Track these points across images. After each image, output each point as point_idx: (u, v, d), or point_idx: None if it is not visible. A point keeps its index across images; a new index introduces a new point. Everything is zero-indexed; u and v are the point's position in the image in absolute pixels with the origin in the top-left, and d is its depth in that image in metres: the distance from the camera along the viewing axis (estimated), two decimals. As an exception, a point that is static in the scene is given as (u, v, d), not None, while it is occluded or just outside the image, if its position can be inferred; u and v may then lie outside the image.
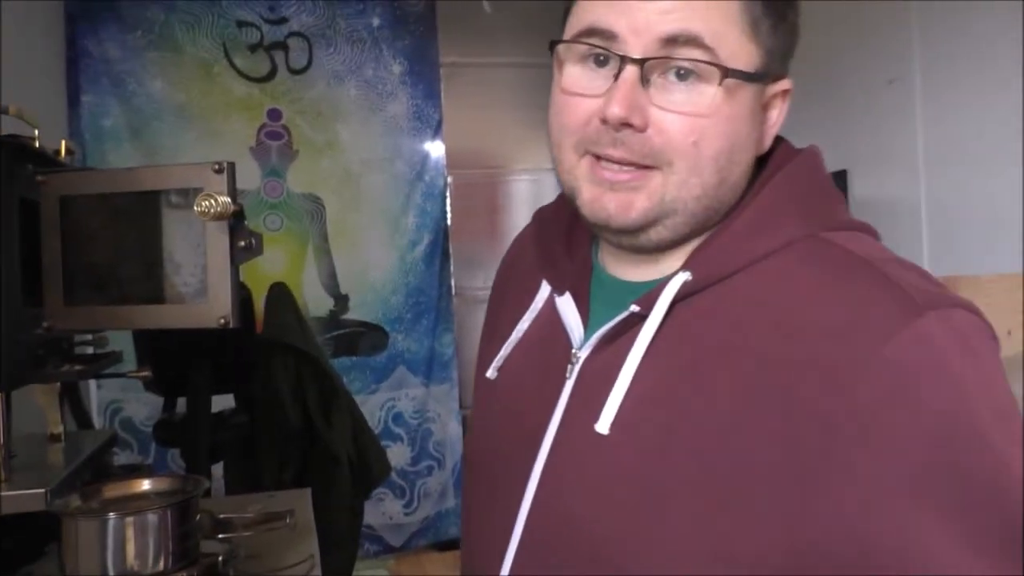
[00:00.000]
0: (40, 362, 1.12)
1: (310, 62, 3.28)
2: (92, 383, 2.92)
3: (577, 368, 0.72)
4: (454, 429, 3.47)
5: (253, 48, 3.22)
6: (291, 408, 2.23)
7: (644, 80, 0.64)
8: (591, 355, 0.71)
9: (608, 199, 0.67)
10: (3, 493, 1.01)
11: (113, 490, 1.10)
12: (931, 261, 2.72)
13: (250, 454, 2.18)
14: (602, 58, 0.66)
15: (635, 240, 0.70)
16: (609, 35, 0.65)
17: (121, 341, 1.84)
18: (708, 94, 0.65)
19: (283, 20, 3.26)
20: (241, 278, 1.06)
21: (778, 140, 0.76)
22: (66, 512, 1.00)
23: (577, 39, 0.67)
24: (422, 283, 3.40)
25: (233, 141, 3.17)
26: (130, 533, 0.98)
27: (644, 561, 0.64)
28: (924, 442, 0.56)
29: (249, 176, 3.18)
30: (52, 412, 1.30)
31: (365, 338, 3.34)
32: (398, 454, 3.34)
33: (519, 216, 3.57)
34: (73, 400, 1.70)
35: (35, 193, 1.08)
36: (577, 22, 0.68)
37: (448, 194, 3.47)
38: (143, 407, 3.00)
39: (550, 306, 0.78)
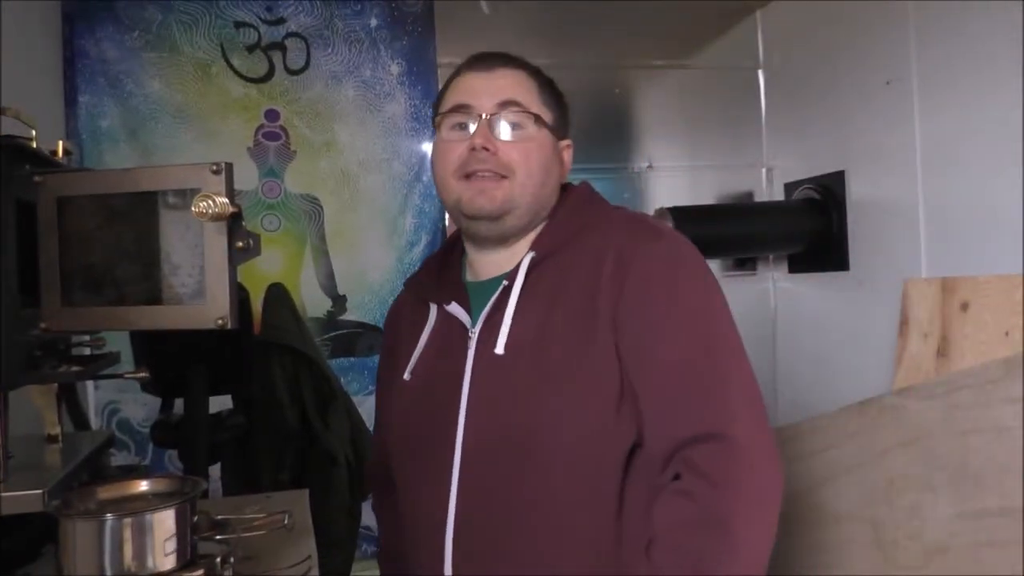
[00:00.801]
0: (37, 363, 1.11)
1: (308, 63, 3.28)
2: (89, 384, 2.91)
3: (475, 339, 1.14)
4: (452, 430, 3.46)
5: (251, 49, 3.22)
6: (289, 409, 2.23)
7: (491, 127, 1.15)
8: (482, 328, 1.14)
9: (481, 197, 1.14)
10: (0, 494, 1.01)
11: (110, 491, 1.10)
12: (929, 262, 2.72)
13: (248, 455, 2.18)
14: (462, 125, 1.18)
15: (498, 226, 1.16)
16: (467, 108, 1.17)
17: (119, 342, 1.83)
18: (529, 131, 1.16)
19: (281, 21, 3.25)
20: (239, 279, 1.06)
21: (568, 184, 1.27)
22: (63, 513, 0.99)
23: (452, 110, 1.19)
24: (420, 284, 3.40)
25: (231, 142, 3.16)
26: (128, 534, 0.98)
27: (535, 416, 1.06)
28: (654, 299, 1.07)
29: (247, 177, 3.17)
30: (49, 413, 1.30)
31: (363, 339, 3.33)
32: (396, 455, 3.33)
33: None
34: (70, 401, 1.70)
35: (32, 194, 1.08)
36: (449, 101, 1.20)
37: (446, 195, 3.47)
38: (140, 408, 2.99)
39: (440, 318, 1.20)
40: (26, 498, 1.01)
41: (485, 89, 1.16)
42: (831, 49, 3.22)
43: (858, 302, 3.06)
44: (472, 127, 1.16)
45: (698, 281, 1.10)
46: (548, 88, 1.22)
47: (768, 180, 3.74)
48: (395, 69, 3.38)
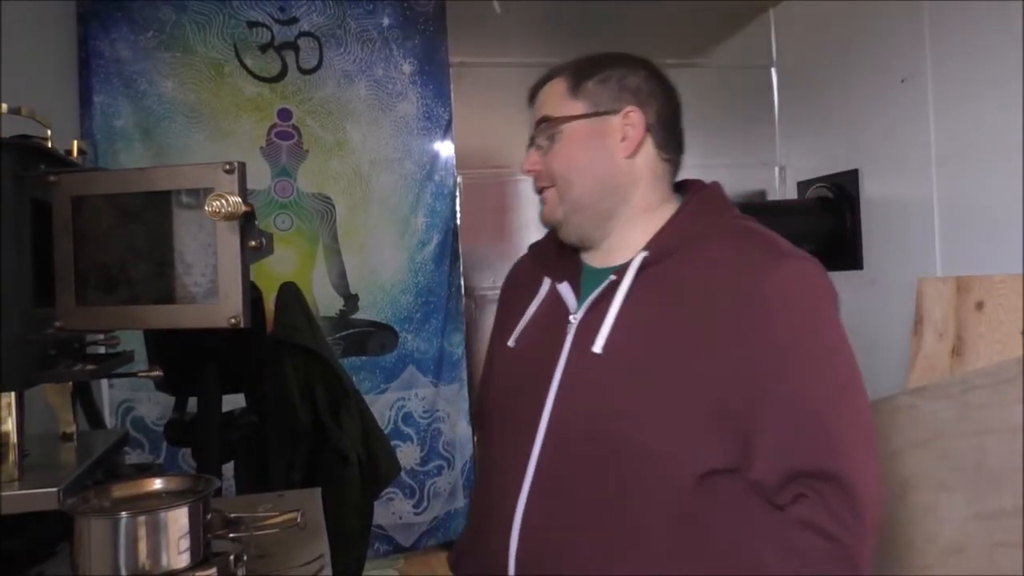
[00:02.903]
0: (52, 362, 1.12)
1: (320, 62, 3.29)
2: (104, 383, 2.93)
3: (575, 326, 1.15)
4: (464, 429, 3.46)
5: (264, 48, 3.23)
6: (301, 408, 2.23)
7: (537, 147, 1.21)
8: (584, 316, 1.15)
9: (544, 209, 1.21)
10: (16, 492, 1.02)
11: (125, 489, 1.11)
12: (943, 261, 2.70)
13: (260, 454, 2.19)
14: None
15: (574, 231, 1.19)
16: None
17: (132, 341, 1.84)
18: (559, 135, 1.17)
19: (294, 20, 3.26)
20: (251, 278, 1.06)
21: (697, 182, 1.25)
22: (78, 511, 1.00)
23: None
24: (432, 283, 3.40)
25: (243, 141, 3.18)
26: (142, 532, 0.98)
27: (632, 423, 1.05)
28: (779, 329, 1.03)
29: (259, 176, 3.19)
30: (64, 411, 1.31)
31: (375, 338, 3.34)
32: (408, 454, 3.34)
33: (528, 216, 3.56)
34: (85, 400, 1.71)
35: (47, 193, 1.09)
36: None
37: (458, 194, 3.47)
38: (154, 407, 3.01)
39: (551, 294, 1.22)
40: (41, 496, 1.01)
41: (533, 117, 1.22)
42: (845, 47, 3.20)
43: (872, 301, 3.04)
44: None
45: (824, 315, 1.07)
46: (583, 73, 1.18)
47: (781, 179, 3.72)
48: (407, 68, 3.38)
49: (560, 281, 1.20)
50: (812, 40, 3.49)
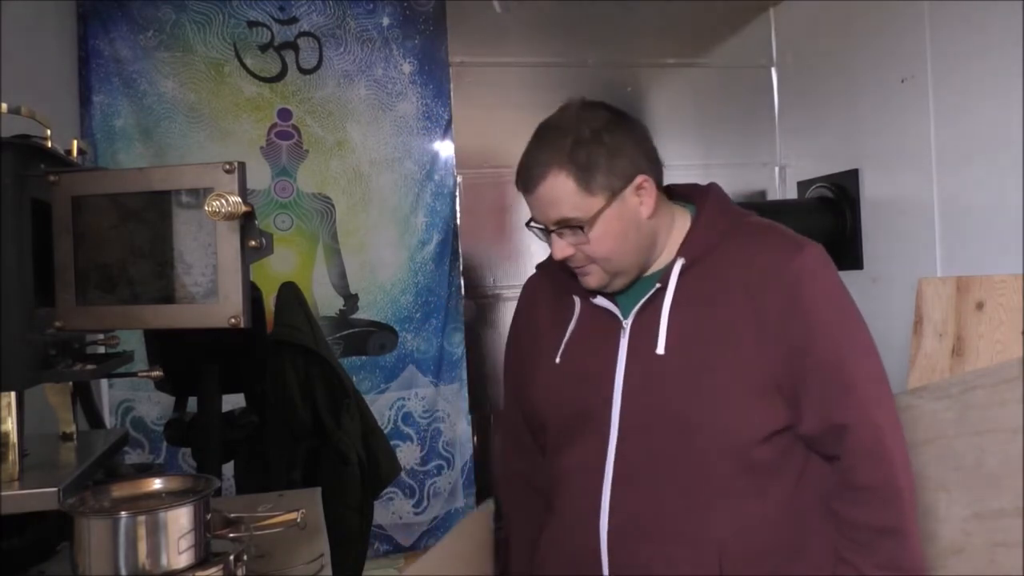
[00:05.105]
0: (52, 362, 1.12)
1: (320, 62, 3.28)
2: (104, 383, 2.93)
3: (628, 331, 1.28)
4: (463, 429, 3.46)
5: (264, 48, 3.23)
6: (301, 408, 2.23)
7: (561, 236, 1.27)
8: (633, 322, 1.28)
9: (586, 280, 1.31)
10: (16, 492, 1.02)
11: (125, 489, 1.11)
12: (943, 261, 2.70)
13: (260, 454, 2.19)
14: (543, 228, 1.30)
15: (616, 287, 1.31)
16: (537, 221, 1.30)
17: (132, 341, 1.84)
18: (588, 230, 1.24)
19: (293, 20, 3.26)
20: (251, 278, 1.06)
21: (696, 186, 1.39)
22: (78, 511, 1.00)
23: (529, 224, 1.33)
24: (432, 283, 3.40)
25: (243, 141, 3.17)
26: (142, 532, 0.98)
27: (698, 409, 1.22)
28: (809, 302, 1.22)
29: (259, 176, 3.18)
30: (64, 411, 1.31)
31: (375, 338, 3.34)
32: (408, 454, 3.34)
33: (528, 216, 3.55)
34: (85, 399, 1.71)
35: (47, 193, 1.09)
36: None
37: (458, 194, 3.47)
38: (154, 407, 3.00)
39: (587, 310, 1.34)
40: (41, 496, 1.02)
41: (537, 209, 1.28)
42: (845, 47, 3.20)
43: (872, 301, 3.04)
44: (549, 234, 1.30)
45: (841, 288, 1.27)
46: (584, 165, 1.23)
47: (781, 179, 3.72)
48: (407, 68, 3.38)
49: (593, 296, 1.33)
50: (812, 40, 3.49)
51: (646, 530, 1.23)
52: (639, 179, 1.26)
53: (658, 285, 1.27)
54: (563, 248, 1.27)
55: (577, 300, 1.37)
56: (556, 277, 1.40)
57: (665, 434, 1.24)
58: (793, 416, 1.24)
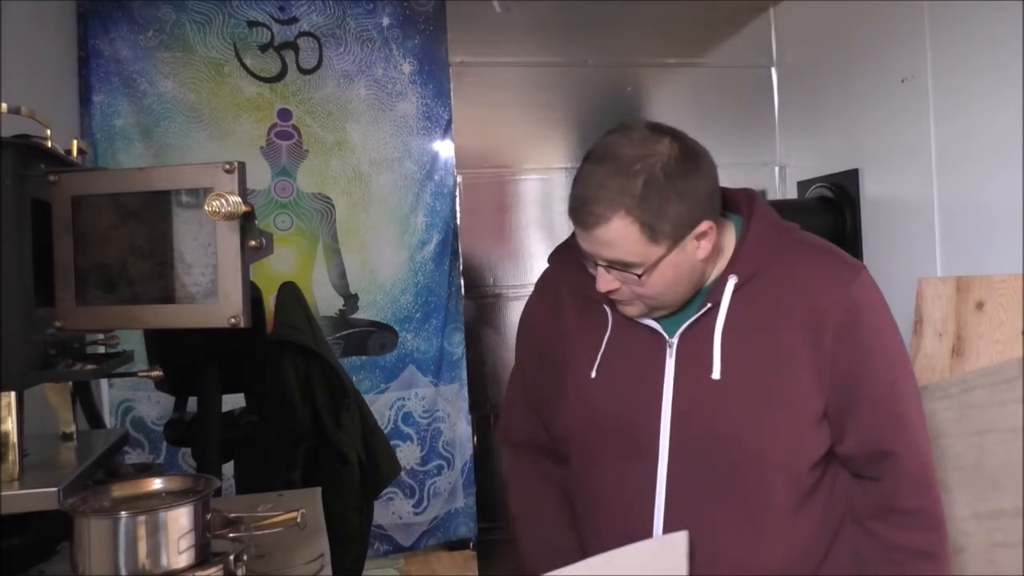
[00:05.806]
0: (52, 362, 1.12)
1: (320, 62, 3.28)
2: (104, 382, 2.93)
3: (674, 350, 1.24)
4: (463, 429, 3.46)
5: (263, 48, 3.22)
6: (301, 408, 2.23)
7: (609, 271, 1.19)
8: (680, 341, 1.24)
9: (627, 309, 1.26)
10: (16, 492, 1.02)
11: (125, 489, 1.11)
12: (943, 261, 2.70)
13: (260, 454, 2.19)
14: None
15: (655, 316, 1.26)
16: (585, 251, 1.22)
17: (132, 340, 1.84)
18: (642, 276, 1.18)
19: (293, 20, 3.26)
20: (251, 278, 1.06)
21: (740, 192, 1.33)
22: (78, 511, 1.00)
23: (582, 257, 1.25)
24: (432, 282, 3.40)
25: (243, 141, 3.17)
26: (142, 532, 0.98)
27: (757, 437, 1.20)
28: (867, 331, 1.23)
29: (259, 176, 3.18)
30: (64, 411, 1.31)
31: (374, 337, 3.34)
32: (407, 454, 3.34)
33: (529, 216, 3.55)
34: (85, 399, 1.71)
35: (47, 193, 1.09)
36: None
37: (458, 194, 3.47)
38: (154, 406, 3.00)
39: (622, 323, 1.28)
40: (41, 496, 1.02)
41: (589, 246, 1.20)
42: (845, 47, 3.20)
43: (872, 301, 3.03)
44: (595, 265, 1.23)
45: (890, 314, 1.29)
46: (652, 213, 1.14)
47: (781, 178, 3.72)
48: (407, 68, 3.38)
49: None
50: (812, 40, 3.49)
51: (703, 556, 1.22)
52: (703, 226, 1.18)
53: (709, 305, 1.23)
54: (609, 283, 1.21)
55: (608, 310, 1.30)
56: (576, 277, 1.32)
57: (721, 460, 1.21)
58: (833, 436, 1.25)
